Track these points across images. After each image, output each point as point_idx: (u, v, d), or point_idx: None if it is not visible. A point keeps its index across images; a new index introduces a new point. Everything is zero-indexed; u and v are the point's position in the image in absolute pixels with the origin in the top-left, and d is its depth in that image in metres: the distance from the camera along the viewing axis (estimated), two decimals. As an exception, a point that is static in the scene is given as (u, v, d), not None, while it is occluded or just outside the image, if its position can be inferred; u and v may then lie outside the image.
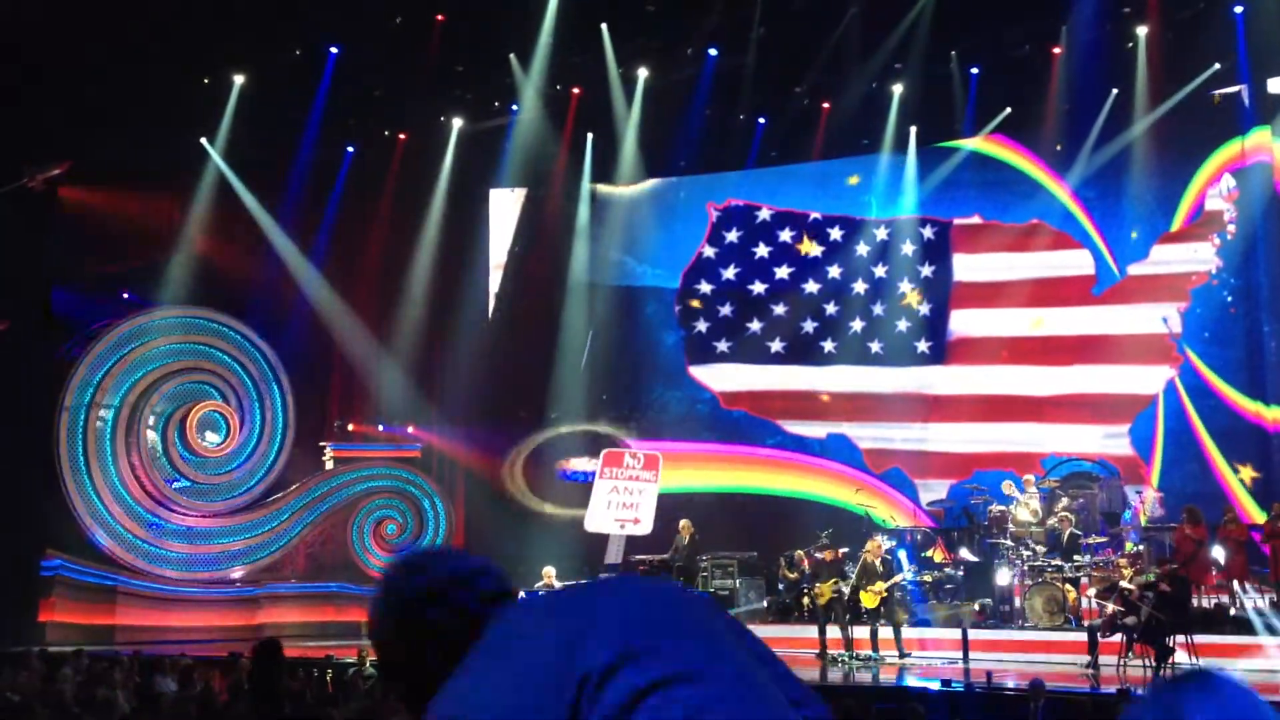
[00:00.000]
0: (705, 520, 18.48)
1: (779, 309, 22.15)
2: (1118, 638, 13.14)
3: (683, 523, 18.17)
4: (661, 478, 19.55)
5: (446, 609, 2.13)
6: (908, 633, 15.59)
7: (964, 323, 21.15)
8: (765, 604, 18.45)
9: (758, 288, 22.32)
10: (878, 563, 15.26)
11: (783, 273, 22.19)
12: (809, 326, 21.99)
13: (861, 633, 15.35)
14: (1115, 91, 19.25)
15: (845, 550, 17.86)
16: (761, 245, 22.34)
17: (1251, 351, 18.98)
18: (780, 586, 18.05)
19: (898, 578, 15.11)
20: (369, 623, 2.20)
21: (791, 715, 1.98)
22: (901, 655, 14.82)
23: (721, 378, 22.51)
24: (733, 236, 22.55)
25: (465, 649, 2.05)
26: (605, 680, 1.88)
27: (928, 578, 17.15)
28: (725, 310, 22.50)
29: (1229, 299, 19.24)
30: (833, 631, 15.56)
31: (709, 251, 22.66)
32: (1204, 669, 2.09)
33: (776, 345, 22.10)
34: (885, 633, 15.12)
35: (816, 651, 15.48)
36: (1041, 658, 14.31)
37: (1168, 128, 19.13)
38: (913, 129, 20.87)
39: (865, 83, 20.34)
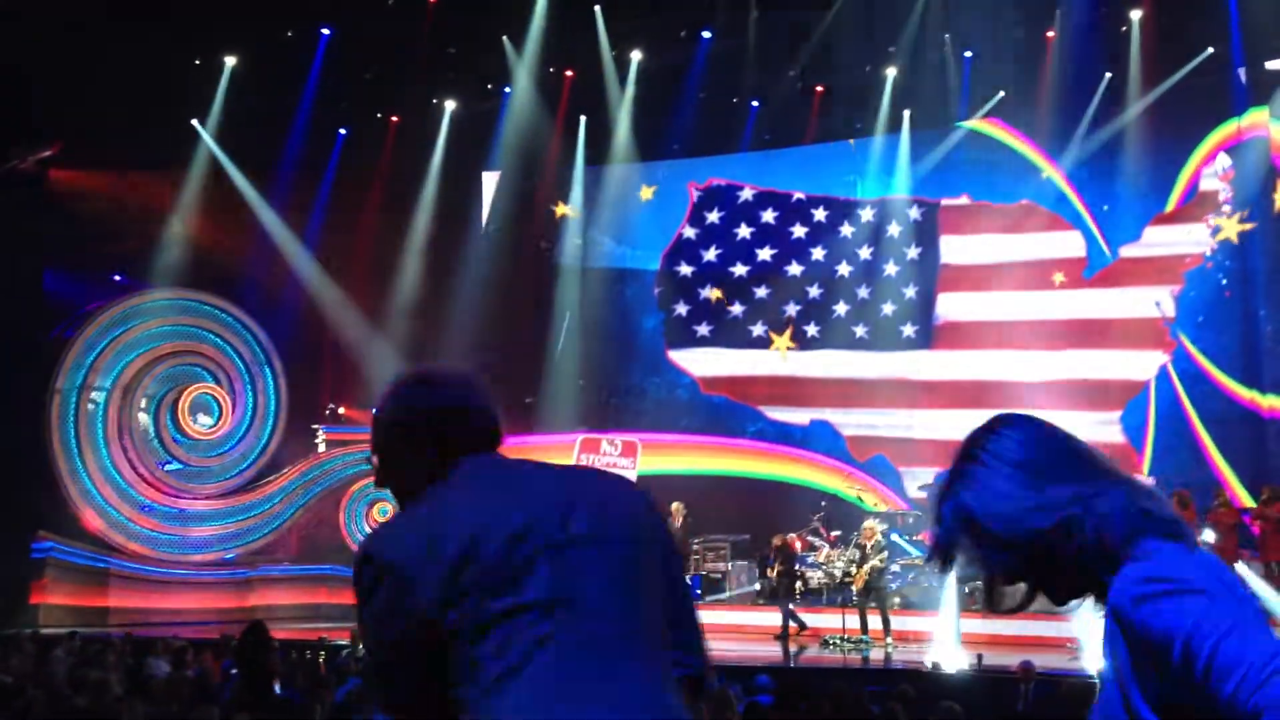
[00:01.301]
0: (697, 503, 18.46)
1: (761, 291, 22.03)
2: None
3: (674, 505, 18.20)
4: (647, 461, 19.51)
5: (433, 432, 2.30)
6: (904, 617, 15.66)
7: (952, 306, 21.05)
8: (758, 587, 18.47)
9: (739, 270, 22.20)
10: (869, 546, 15.28)
11: (765, 254, 22.05)
12: (792, 310, 21.90)
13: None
14: (1109, 75, 19.22)
15: (837, 533, 17.93)
16: (744, 226, 22.20)
17: (1246, 336, 18.82)
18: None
19: (877, 560, 15.08)
20: (373, 424, 2.38)
21: (643, 649, 2.12)
22: (888, 635, 14.86)
23: (701, 362, 22.37)
24: (714, 217, 22.38)
25: (444, 472, 2.26)
26: (497, 591, 2.06)
27: (918, 561, 17.18)
28: (705, 293, 22.40)
29: (1224, 282, 19.09)
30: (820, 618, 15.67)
31: (689, 232, 22.49)
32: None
33: (758, 329, 22.03)
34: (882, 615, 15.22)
35: (777, 634, 15.69)
36: (1031, 640, 14.34)
37: (1161, 110, 19.05)
38: (906, 113, 20.82)
39: (859, 66, 20.32)
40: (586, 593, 2.10)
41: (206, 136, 20.38)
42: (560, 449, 20.52)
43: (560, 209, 22.77)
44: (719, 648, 15.11)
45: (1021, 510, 1.87)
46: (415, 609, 2.05)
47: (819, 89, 20.97)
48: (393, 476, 2.34)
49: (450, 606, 2.05)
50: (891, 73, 20.35)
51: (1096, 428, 19.12)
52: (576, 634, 2.06)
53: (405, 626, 2.06)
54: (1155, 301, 19.32)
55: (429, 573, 2.06)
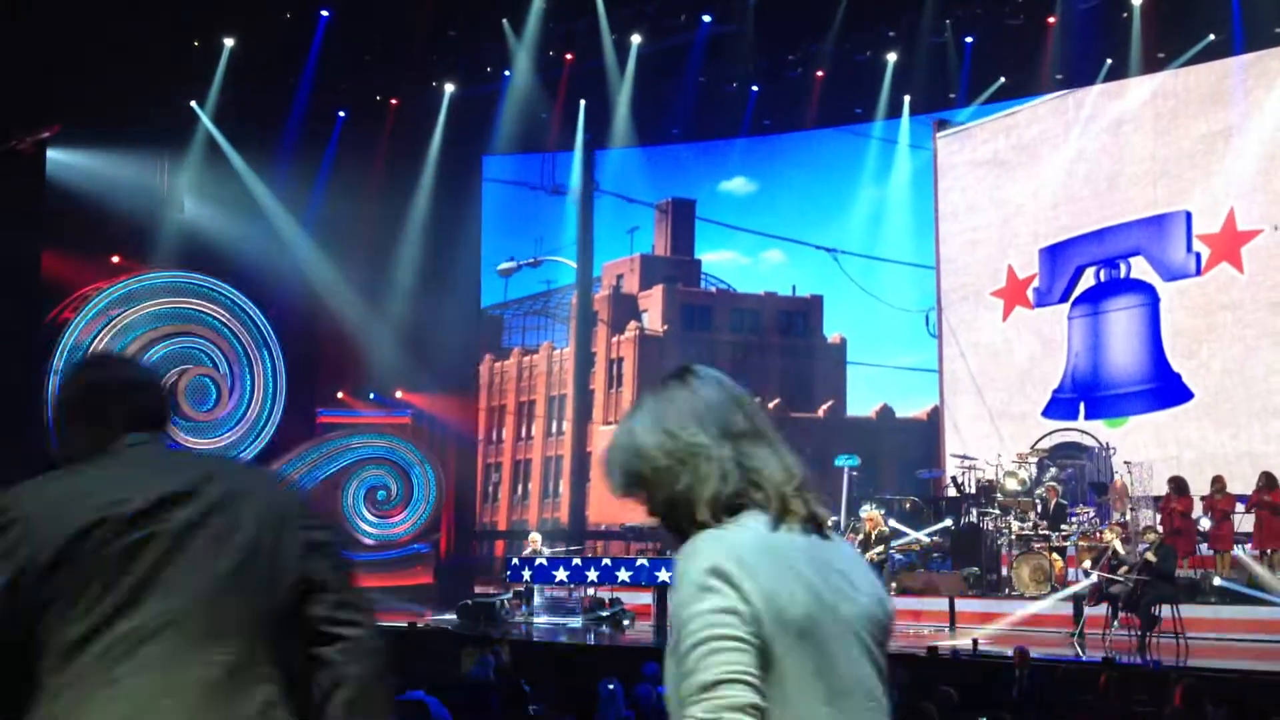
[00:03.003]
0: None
1: None
2: (1103, 607, 13.22)
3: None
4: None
5: (92, 407, 2.44)
6: (900, 602, 15.71)
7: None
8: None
9: None
10: (874, 534, 15.31)
11: None
12: None
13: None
14: (1110, 62, 19.18)
15: (835, 519, 17.95)
16: None
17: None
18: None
19: (875, 553, 15.11)
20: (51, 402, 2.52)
21: (226, 639, 2.23)
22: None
23: None
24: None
25: (103, 447, 2.39)
26: (100, 565, 2.18)
27: (916, 546, 17.22)
28: None
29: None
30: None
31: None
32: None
33: None
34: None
35: None
36: (1027, 626, 14.40)
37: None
38: (906, 98, 20.79)
39: (859, 51, 20.28)
40: (181, 578, 2.21)
41: (205, 118, 20.33)
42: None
43: None
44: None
45: (634, 446, 2.07)
46: (30, 561, 2.16)
47: (819, 74, 20.91)
48: (63, 448, 2.46)
49: (60, 568, 2.16)
50: (892, 58, 20.29)
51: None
52: (160, 618, 2.17)
53: (12, 577, 2.16)
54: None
55: (52, 530, 2.18)
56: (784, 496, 2.01)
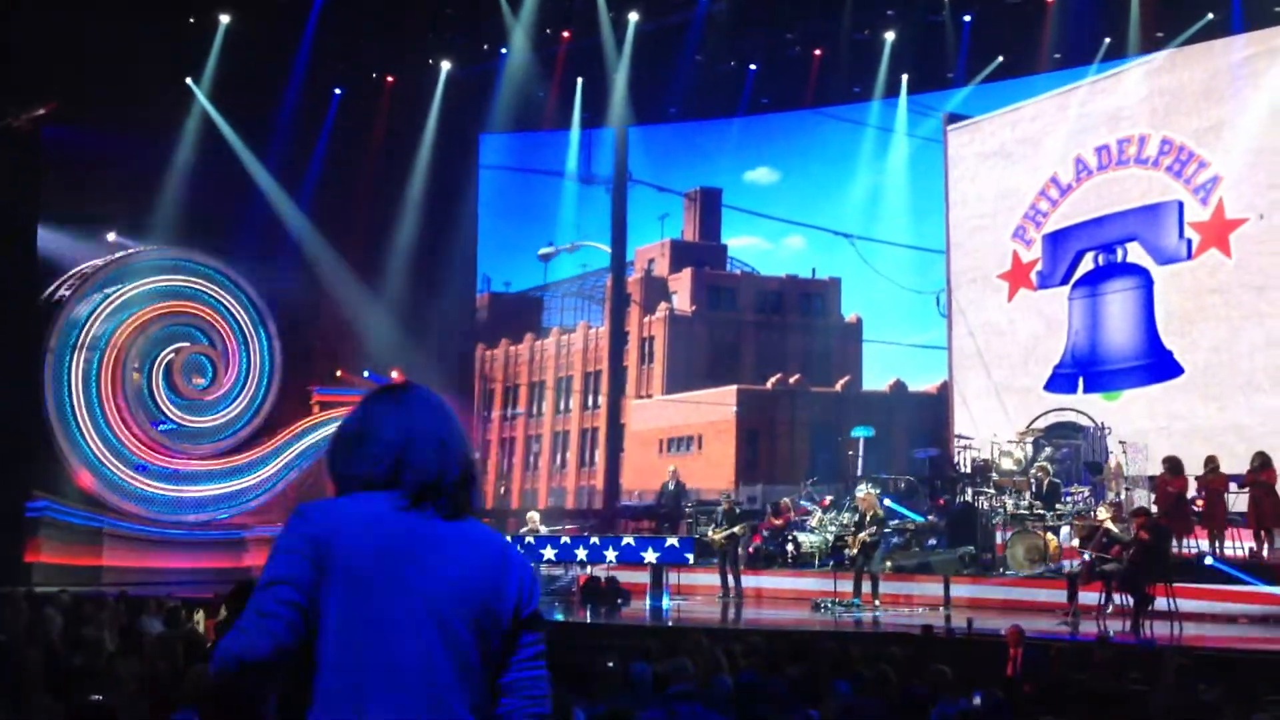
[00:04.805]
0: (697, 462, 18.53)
1: None
2: (1098, 585, 13.24)
3: (670, 467, 18.26)
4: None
5: None
6: (895, 581, 15.76)
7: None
8: (751, 550, 18.52)
9: None
10: (869, 515, 15.34)
11: None
12: None
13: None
14: (1108, 41, 19.13)
15: (830, 498, 18.01)
16: None
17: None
18: (765, 534, 18.13)
19: (868, 533, 15.12)
20: None
21: None
22: (876, 598, 14.97)
23: None
24: None
25: None
26: None
27: (910, 526, 17.25)
28: None
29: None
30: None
31: None
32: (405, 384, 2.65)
33: None
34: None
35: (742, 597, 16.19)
36: (1022, 605, 14.45)
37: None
38: (904, 76, 20.75)
39: (857, 30, 20.22)
40: None
41: (201, 96, 20.26)
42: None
43: None
44: (711, 612, 15.17)
45: (337, 430, 2.60)
46: None
47: (817, 52, 20.85)
48: None
49: None
50: (890, 36, 20.24)
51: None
52: None
53: None
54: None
55: None
56: (425, 484, 2.40)
